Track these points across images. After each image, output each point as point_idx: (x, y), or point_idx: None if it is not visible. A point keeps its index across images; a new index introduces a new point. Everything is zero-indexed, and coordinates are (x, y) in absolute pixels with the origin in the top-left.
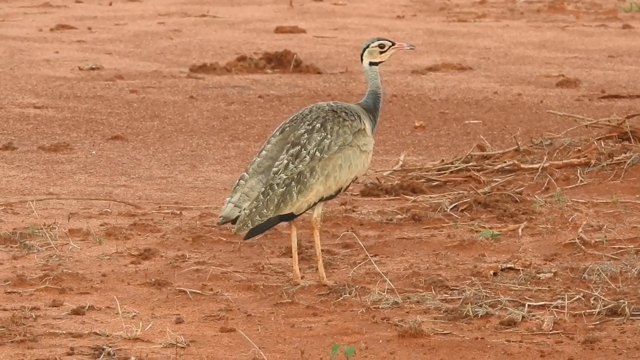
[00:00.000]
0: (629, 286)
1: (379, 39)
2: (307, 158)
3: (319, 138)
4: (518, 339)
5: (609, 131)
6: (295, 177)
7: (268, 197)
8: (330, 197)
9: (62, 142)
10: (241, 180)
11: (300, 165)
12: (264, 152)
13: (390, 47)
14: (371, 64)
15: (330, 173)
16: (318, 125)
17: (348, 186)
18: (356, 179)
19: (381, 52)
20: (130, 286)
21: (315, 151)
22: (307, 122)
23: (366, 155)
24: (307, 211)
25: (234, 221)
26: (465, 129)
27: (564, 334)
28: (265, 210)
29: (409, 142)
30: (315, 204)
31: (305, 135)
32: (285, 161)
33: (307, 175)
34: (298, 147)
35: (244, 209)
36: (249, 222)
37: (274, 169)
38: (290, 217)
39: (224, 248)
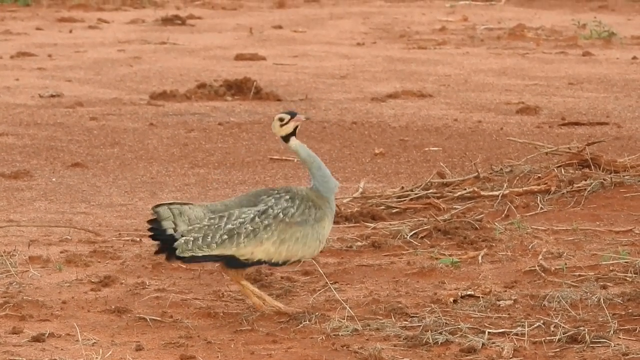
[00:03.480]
0: (589, 313)
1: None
2: (272, 216)
3: (285, 205)
4: None
5: (569, 158)
6: (254, 225)
7: (217, 226)
8: (274, 265)
9: (22, 169)
10: (187, 206)
11: (266, 222)
12: (218, 201)
13: (290, 119)
14: (285, 139)
15: (286, 240)
16: (287, 197)
17: (292, 262)
18: (300, 261)
19: (282, 125)
20: (90, 313)
21: (280, 212)
22: (276, 192)
23: (319, 245)
24: (252, 266)
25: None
26: (425, 156)
27: None
28: (209, 239)
29: (369, 169)
30: (258, 261)
31: (273, 201)
32: (252, 215)
33: (260, 229)
34: (264, 207)
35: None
36: (195, 248)
37: (240, 220)
38: (231, 260)
39: (183, 275)
